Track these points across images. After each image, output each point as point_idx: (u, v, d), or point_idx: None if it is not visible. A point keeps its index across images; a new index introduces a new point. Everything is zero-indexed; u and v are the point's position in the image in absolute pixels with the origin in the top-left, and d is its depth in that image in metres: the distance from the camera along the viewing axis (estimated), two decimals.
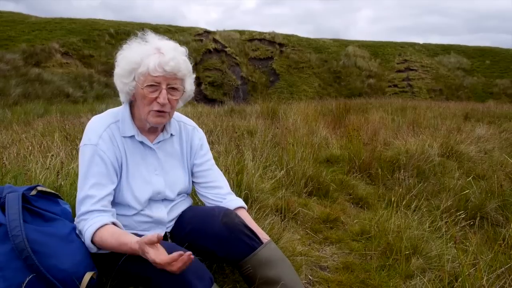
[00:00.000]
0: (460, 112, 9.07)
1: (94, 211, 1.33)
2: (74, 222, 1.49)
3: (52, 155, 2.73)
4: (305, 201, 2.92)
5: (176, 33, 22.33)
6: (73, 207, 1.68)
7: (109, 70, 18.21)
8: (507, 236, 1.96)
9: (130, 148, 1.47)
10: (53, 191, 1.52)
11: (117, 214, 1.42)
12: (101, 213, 1.34)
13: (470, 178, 3.35)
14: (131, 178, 1.46)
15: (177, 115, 1.64)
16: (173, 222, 1.59)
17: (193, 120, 1.73)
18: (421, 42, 30.52)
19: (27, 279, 1.16)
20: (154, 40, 1.44)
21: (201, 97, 19.21)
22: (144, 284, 1.31)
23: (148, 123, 1.46)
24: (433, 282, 1.75)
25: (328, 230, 2.56)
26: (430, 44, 28.88)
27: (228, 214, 1.50)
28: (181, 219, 1.59)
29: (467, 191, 2.96)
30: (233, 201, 1.65)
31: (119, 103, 1.55)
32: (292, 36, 26.52)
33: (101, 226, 1.30)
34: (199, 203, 2.04)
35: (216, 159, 1.76)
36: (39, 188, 1.46)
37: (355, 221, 2.69)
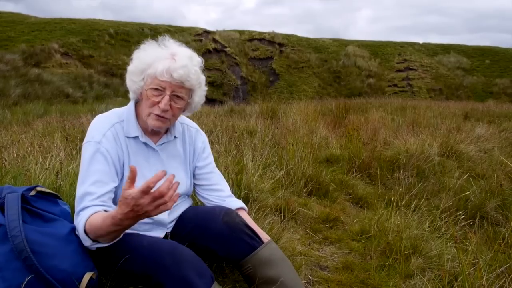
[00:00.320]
0: (460, 112, 9.07)
1: (91, 206, 1.30)
2: (75, 223, 1.49)
3: (52, 156, 2.73)
4: (305, 201, 2.92)
5: (175, 33, 22.33)
6: (73, 208, 1.67)
7: (108, 70, 18.24)
8: (506, 236, 1.96)
9: (133, 149, 1.46)
10: (52, 192, 1.52)
11: None
12: (97, 208, 1.30)
13: (470, 177, 3.35)
14: None
15: (180, 117, 1.64)
16: (173, 223, 1.59)
17: (193, 120, 1.74)
18: (420, 41, 30.54)
19: (27, 279, 1.16)
20: (172, 46, 1.43)
21: None
22: (144, 283, 1.31)
23: (148, 125, 1.46)
24: (433, 282, 1.75)
25: (327, 230, 2.56)
26: (429, 44, 28.90)
27: (229, 214, 1.51)
28: (181, 218, 1.59)
29: (467, 191, 2.96)
30: (233, 202, 1.65)
31: (119, 103, 1.56)
32: (292, 36, 26.53)
33: (93, 214, 1.26)
34: (199, 203, 2.04)
35: (216, 159, 1.76)
36: (38, 188, 1.46)
37: (355, 221, 2.69)
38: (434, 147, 4.32)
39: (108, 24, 22.72)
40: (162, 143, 1.53)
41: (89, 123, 1.51)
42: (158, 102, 1.38)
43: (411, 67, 24.16)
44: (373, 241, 2.31)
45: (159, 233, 1.52)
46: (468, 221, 2.49)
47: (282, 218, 2.50)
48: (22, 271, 1.18)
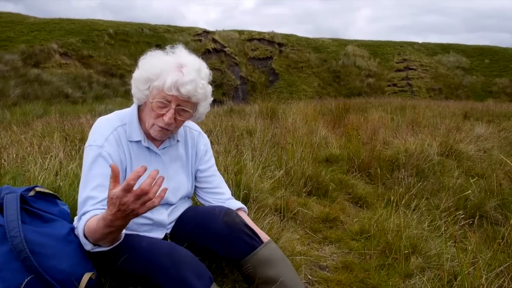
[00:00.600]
0: (459, 111, 9.08)
1: (92, 211, 1.30)
2: (74, 224, 1.49)
3: (51, 156, 2.73)
4: (305, 200, 2.92)
5: (175, 33, 22.34)
6: (72, 208, 1.68)
7: (108, 71, 18.23)
8: (506, 235, 1.96)
9: (135, 153, 1.45)
10: (51, 192, 1.52)
11: None
12: (98, 212, 1.30)
13: (469, 177, 3.35)
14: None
15: None
16: (173, 223, 1.59)
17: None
18: (420, 41, 30.55)
19: (26, 280, 1.16)
20: (181, 54, 1.40)
21: None
22: (143, 283, 1.30)
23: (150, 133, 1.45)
24: (432, 281, 1.75)
25: (327, 230, 2.56)
26: (429, 43, 28.92)
27: (228, 214, 1.50)
28: (181, 219, 1.59)
29: (466, 190, 2.96)
30: (233, 202, 1.66)
31: (118, 104, 1.55)
32: (291, 35, 26.54)
33: (92, 217, 1.25)
34: (198, 204, 2.04)
35: (215, 159, 1.76)
36: (37, 189, 1.46)
37: (354, 221, 2.69)
38: (434, 147, 4.32)
39: (108, 24, 22.71)
40: (165, 147, 1.53)
41: (88, 123, 1.52)
42: (163, 115, 1.36)
43: (410, 67, 24.17)
44: (373, 241, 2.31)
45: (159, 234, 1.52)
46: (468, 220, 2.49)
47: (282, 218, 2.50)
48: (21, 272, 1.18)
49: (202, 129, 1.74)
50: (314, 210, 2.77)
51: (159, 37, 22.18)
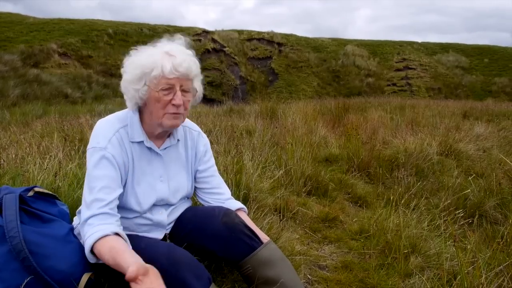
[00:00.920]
0: (458, 111, 9.08)
1: (100, 215, 1.29)
2: (73, 224, 1.49)
3: (50, 156, 2.73)
4: (304, 200, 2.92)
5: (174, 33, 22.29)
6: (71, 208, 1.68)
7: (107, 71, 18.23)
8: (505, 234, 1.96)
9: (137, 154, 1.46)
10: (50, 192, 1.52)
11: None
12: (106, 218, 1.29)
13: (469, 176, 3.35)
14: (136, 184, 1.45)
15: None
16: (172, 224, 1.59)
17: (192, 120, 1.73)
18: (419, 41, 30.59)
19: (25, 280, 1.16)
20: (162, 44, 1.43)
21: None
22: None
23: (161, 127, 1.44)
24: (432, 281, 1.75)
25: (327, 229, 2.56)
26: (428, 43, 28.94)
27: (228, 214, 1.50)
28: (180, 219, 1.59)
29: (466, 189, 2.96)
30: (233, 203, 1.65)
31: (118, 104, 1.55)
32: (291, 35, 26.55)
33: (101, 237, 1.24)
34: (198, 204, 2.04)
35: (215, 158, 1.75)
36: (36, 189, 1.46)
37: (354, 220, 2.69)
38: (433, 146, 4.32)
39: (107, 24, 22.71)
40: (166, 148, 1.53)
41: (88, 124, 1.52)
42: (171, 100, 1.38)
43: (410, 66, 24.19)
44: (372, 240, 2.31)
45: (158, 234, 1.52)
46: (467, 220, 2.49)
47: (281, 217, 2.50)
48: (20, 272, 1.18)
49: (202, 129, 1.74)
50: (314, 209, 2.77)
51: (159, 37, 22.04)
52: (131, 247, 1.27)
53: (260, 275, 1.42)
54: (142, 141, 1.46)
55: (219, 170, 1.77)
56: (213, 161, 1.69)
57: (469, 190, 2.94)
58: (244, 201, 2.31)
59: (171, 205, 1.56)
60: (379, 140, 4.63)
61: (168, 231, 1.57)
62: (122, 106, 1.55)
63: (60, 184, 2.11)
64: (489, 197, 2.92)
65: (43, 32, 20.22)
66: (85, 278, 1.27)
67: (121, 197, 1.42)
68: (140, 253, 1.28)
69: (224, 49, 22.28)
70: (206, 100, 18.41)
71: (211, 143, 3.75)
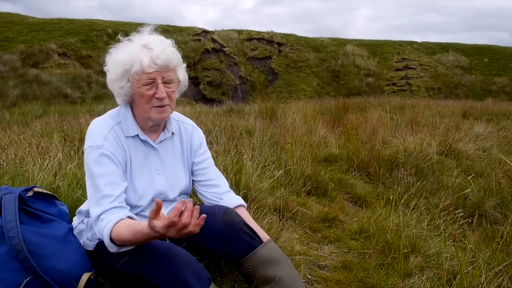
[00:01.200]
0: (458, 110, 9.08)
1: (111, 209, 1.31)
2: (73, 224, 1.49)
3: (50, 156, 2.73)
4: (304, 200, 2.92)
5: (174, 33, 22.30)
6: (71, 208, 1.68)
7: None
8: (505, 234, 1.96)
9: (133, 149, 1.47)
10: (50, 192, 1.52)
11: None
12: (117, 211, 1.32)
13: (468, 176, 3.35)
14: (135, 178, 1.45)
15: (175, 114, 1.64)
16: None
17: (192, 120, 1.73)
18: (419, 40, 30.60)
19: (25, 281, 1.16)
20: (138, 38, 1.42)
21: (199, 97, 19.20)
22: (142, 284, 1.30)
23: (151, 121, 1.45)
24: (432, 280, 1.75)
25: (326, 229, 2.56)
26: (428, 43, 28.93)
27: (228, 213, 1.50)
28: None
29: (465, 189, 2.96)
30: (232, 200, 1.65)
31: (117, 104, 1.54)
32: (291, 35, 26.54)
33: (117, 222, 1.27)
34: (198, 203, 2.04)
35: (214, 158, 1.76)
36: (35, 189, 1.46)
37: (353, 220, 2.69)
38: (433, 146, 4.32)
39: (107, 24, 22.70)
40: (161, 141, 1.53)
41: (87, 124, 1.51)
42: (154, 94, 1.39)
43: (409, 66, 24.19)
44: (372, 240, 2.31)
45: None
46: (467, 219, 2.50)
47: (281, 217, 2.50)
48: (20, 272, 1.18)
49: (202, 129, 1.75)
50: (314, 209, 2.77)
51: None
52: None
53: (260, 273, 1.42)
54: (137, 135, 1.47)
55: (219, 170, 1.77)
56: (209, 154, 1.69)
57: (468, 190, 2.94)
58: (244, 201, 2.31)
59: (170, 202, 1.56)
60: (378, 140, 4.63)
61: None
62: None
63: (59, 184, 2.11)
64: (488, 196, 2.92)
65: (42, 32, 20.21)
66: (84, 278, 1.27)
67: (127, 194, 1.42)
68: (140, 253, 1.29)
69: (224, 49, 22.27)
70: (206, 100, 18.42)
71: (211, 143, 3.76)
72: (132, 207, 1.44)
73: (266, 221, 2.14)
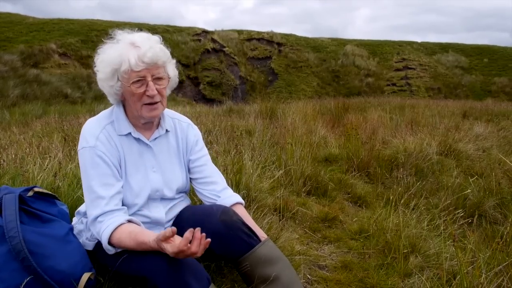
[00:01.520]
0: (458, 111, 9.08)
1: (108, 212, 1.33)
2: (73, 224, 1.49)
3: (50, 156, 2.73)
4: (304, 200, 2.93)
5: (174, 33, 22.30)
6: (71, 208, 1.68)
7: None
8: (505, 234, 1.96)
9: (127, 147, 1.47)
10: (50, 192, 1.52)
11: None
12: (114, 213, 1.34)
13: (468, 176, 3.35)
14: (129, 176, 1.46)
15: (171, 112, 1.64)
16: (171, 222, 1.59)
17: (192, 120, 1.73)
18: (419, 40, 30.60)
19: (25, 281, 1.16)
20: (125, 36, 1.42)
21: (199, 97, 19.20)
22: (141, 284, 1.30)
23: (143, 119, 1.46)
24: (432, 280, 1.75)
25: (326, 229, 2.56)
26: (428, 43, 28.92)
27: (226, 212, 1.50)
28: (179, 218, 1.59)
29: (465, 189, 2.96)
30: (229, 198, 1.64)
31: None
32: (290, 35, 26.53)
33: (117, 227, 1.30)
34: (198, 203, 2.04)
35: (214, 158, 1.76)
36: (36, 189, 1.46)
37: (353, 220, 2.69)
38: (433, 146, 4.32)
39: (107, 24, 22.68)
40: (155, 138, 1.53)
41: None
42: (144, 92, 1.39)
43: (409, 66, 24.18)
44: (372, 240, 2.31)
45: (157, 232, 1.52)
46: (467, 219, 2.50)
47: (281, 217, 2.50)
48: (20, 272, 1.18)
49: (202, 129, 1.75)
50: (313, 209, 2.77)
51: None
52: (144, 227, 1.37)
53: (258, 273, 1.42)
54: (130, 133, 1.47)
55: (219, 170, 1.77)
56: (205, 151, 1.69)
57: (468, 190, 2.94)
58: (244, 201, 2.31)
59: (168, 200, 1.56)
60: (378, 140, 4.63)
61: None
62: None
63: (60, 184, 2.11)
64: (488, 197, 2.92)
65: (42, 32, 20.20)
66: (84, 278, 1.27)
67: (124, 195, 1.42)
68: (140, 254, 1.29)
69: (224, 49, 22.26)
70: (206, 100, 18.42)
71: (211, 143, 3.77)
72: (128, 206, 1.44)
73: (266, 221, 2.14)
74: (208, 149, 1.74)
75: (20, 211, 1.30)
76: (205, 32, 23.60)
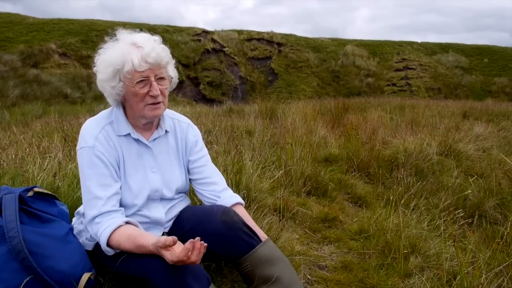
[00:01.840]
0: (458, 111, 9.08)
1: (105, 213, 1.33)
2: (72, 224, 1.49)
3: (50, 157, 2.73)
4: (304, 200, 2.93)
5: (174, 33, 22.31)
6: (71, 208, 1.68)
7: None
8: (505, 234, 1.96)
9: (126, 147, 1.47)
10: (50, 192, 1.52)
11: None
12: (112, 214, 1.34)
13: (468, 176, 3.35)
14: (129, 177, 1.45)
15: (171, 113, 1.64)
16: (171, 222, 1.59)
17: (192, 120, 1.73)
18: (419, 41, 30.62)
19: (25, 280, 1.16)
20: (126, 36, 1.42)
21: (199, 97, 19.20)
22: (141, 285, 1.30)
23: (145, 119, 1.46)
24: (432, 281, 1.75)
25: (326, 230, 2.56)
26: (428, 43, 28.92)
27: (226, 212, 1.50)
28: (179, 218, 1.59)
29: (465, 190, 2.96)
30: (229, 198, 1.63)
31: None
32: (291, 35, 26.54)
33: (115, 229, 1.31)
34: (198, 203, 2.04)
35: (214, 159, 1.75)
36: (36, 189, 1.46)
37: (353, 220, 2.69)
38: (433, 146, 4.32)
39: (107, 24, 22.67)
40: (154, 139, 1.53)
41: None
42: (148, 92, 1.39)
43: (409, 66, 24.18)
44: (372, 241, 2.31)
45: (157, 233, 1.51)
46: (467, 220, 2.50)
47: (281, 217, 2.50)
48: (20, 272, 1.18)
49: (202, 129, 1.75)
50: (314, 210, 2.77)
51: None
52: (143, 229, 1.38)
53: (259, 273, 1.42)
54: (129, 134, 1.47)
55: (219, 170, 1.77)
56: (205, 151, 1.69)
57: (468, 190, 2.94)
58: (244, 201, 2.31)
59: (167, 200, 1.56)
60: (378, 140, 4.63)
61: (166, 230, 1.57)
62: None
63: (59, 184, 2.11)
64: (488, 197, 2.92)
65: (42, 32, 20.20)
66: (84, 278, 1.27)
67: (122, 195, 1.42)
68: (139, 254, 1.29)
69: (224, 49, 22.26)
70: (206, 100, 18.42)
71: (211, 143, 3.76)
72: (128, 206, 1.44)
73: (266, 221, 2.14)
74: (208, 149, 1.74)
75: (20, 211, 1.30)
76: (205, 32, 23.60)
